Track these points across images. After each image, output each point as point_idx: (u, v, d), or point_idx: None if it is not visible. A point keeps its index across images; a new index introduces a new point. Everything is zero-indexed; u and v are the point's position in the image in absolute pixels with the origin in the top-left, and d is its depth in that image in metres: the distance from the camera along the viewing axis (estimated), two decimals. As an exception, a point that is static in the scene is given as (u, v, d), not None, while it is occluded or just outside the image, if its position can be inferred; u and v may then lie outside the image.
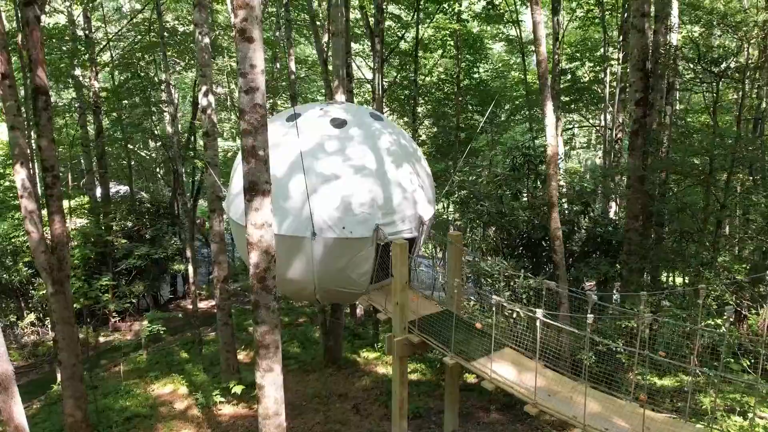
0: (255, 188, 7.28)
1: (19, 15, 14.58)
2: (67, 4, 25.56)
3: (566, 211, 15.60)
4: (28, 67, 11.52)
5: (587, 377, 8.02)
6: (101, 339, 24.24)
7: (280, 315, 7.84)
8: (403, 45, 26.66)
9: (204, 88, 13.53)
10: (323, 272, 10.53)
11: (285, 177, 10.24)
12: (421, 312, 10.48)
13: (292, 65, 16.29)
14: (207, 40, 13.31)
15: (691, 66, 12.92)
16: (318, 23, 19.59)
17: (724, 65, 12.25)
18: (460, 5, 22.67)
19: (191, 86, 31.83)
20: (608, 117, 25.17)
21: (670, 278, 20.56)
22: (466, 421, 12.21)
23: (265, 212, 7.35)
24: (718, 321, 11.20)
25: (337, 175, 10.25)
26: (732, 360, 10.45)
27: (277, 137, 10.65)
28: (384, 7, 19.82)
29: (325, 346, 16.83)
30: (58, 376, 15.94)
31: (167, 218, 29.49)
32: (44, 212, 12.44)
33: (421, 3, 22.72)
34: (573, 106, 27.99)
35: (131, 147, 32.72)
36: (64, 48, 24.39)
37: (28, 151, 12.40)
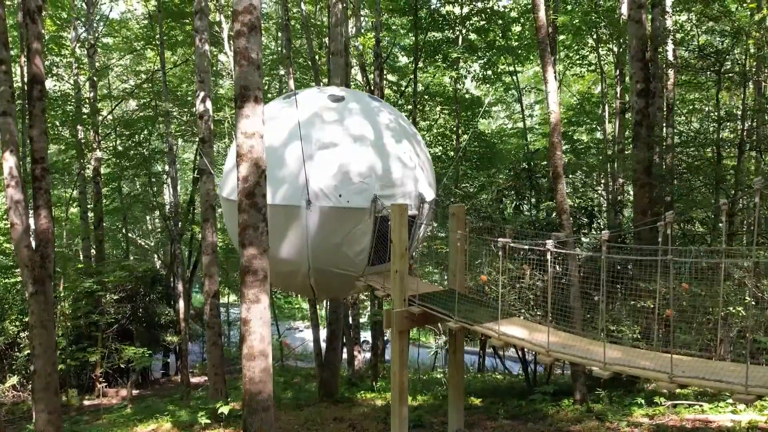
0: (246, 93, 6.96)
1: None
2: (75, 72, 26.22)
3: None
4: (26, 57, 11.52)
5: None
6: (86, 402, 22.97)
7: (268, 237, 7.27)
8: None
9: (202, 95, 13.47)
10: (318, 249, 9.95)
11: (281, 146, 9.91)
12: (422, 290, 9.81)
13: (291, 84, 16.40)
14: (207, 46, 13.42)
15: (694, 53, 12.83)
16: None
17: (726, 57, 12.20)
18: (457, 63, 23.16)
19: (191, 162, 32.24)
20: (609, 179, 25.14)
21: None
22: (472, 428, 11.18)
23: (256, 120, 6.99)
24: (739, 308, 10.53)
25: (335, 143, 9.90)
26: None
27: (274, 111, 10.47)
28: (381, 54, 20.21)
29: (320, 379, 15.71)
30: (34, 415, 14.81)
31: (162, 288, 28.96)
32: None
33: (420, 62, 23.26)
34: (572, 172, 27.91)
35: (131, 235, 32.69)
36: (68, 108, 24.77)
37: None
